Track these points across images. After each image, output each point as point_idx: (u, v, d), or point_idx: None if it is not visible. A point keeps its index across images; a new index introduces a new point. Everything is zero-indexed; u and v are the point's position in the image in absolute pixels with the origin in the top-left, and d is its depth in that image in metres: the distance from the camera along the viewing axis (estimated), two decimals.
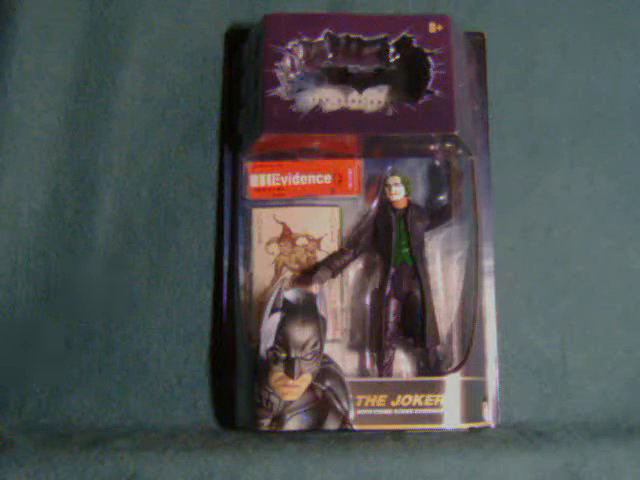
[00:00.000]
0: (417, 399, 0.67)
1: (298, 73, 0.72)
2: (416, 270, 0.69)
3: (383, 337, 0.68)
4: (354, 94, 0.73)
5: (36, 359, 0.71)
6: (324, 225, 0.71)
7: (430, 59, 0.69)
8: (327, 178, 0.72)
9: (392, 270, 0.69)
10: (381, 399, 0.67)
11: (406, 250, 0.69)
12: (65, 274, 0.72)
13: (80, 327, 0.71)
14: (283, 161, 0.72)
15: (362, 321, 0.70)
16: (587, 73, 0.76)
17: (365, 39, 0.70)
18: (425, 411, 0.66)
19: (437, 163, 0.72)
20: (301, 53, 0.71)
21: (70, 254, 0.72)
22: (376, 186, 0.71)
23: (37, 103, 0.74)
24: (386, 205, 0.70)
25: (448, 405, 0.67)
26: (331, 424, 0.66)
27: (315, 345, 0.65)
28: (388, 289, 0.69)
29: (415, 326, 0.68)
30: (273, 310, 0.66)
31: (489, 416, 0.69)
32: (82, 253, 0.72)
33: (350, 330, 0.70)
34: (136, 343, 0.71)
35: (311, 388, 0.65)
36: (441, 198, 0.72)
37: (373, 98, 0.73)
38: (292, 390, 0.65)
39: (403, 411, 0.66)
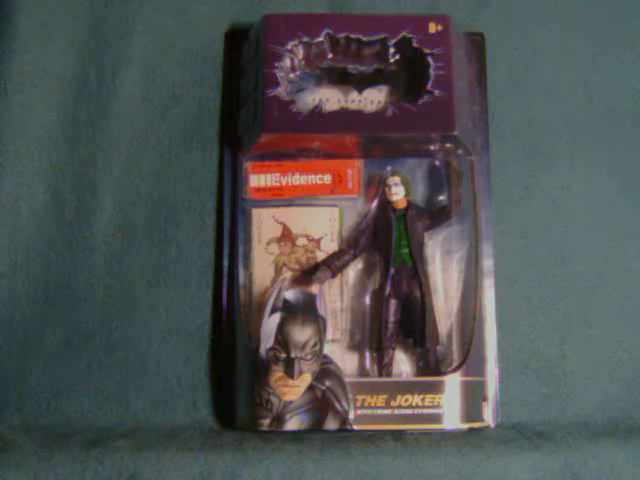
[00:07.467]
0: (417, 399, 0.67)
1: (298, 73, 0.72)
2: (416, 270, 0.69)
3: (383, 337, 0.68)
4: (354, 94, 0.73)
5: (36, 359, 0.71)
6: (324, 225, 0.71)
7: (430, 59, 0.69)
8: (327, 178, 0.72)
9: (392, 270, 0.69)
10: (381, 399, 0.67)
11: (406, 250, 0.69)
12: (65, 274, 0.72)
13: (80, 327, 0.71)
14: (283, 161, 0.72)
15: (362, 321, 0.70)
16: (587, 73, 0.76)
17: (365, 39, 0.70)
18: (425, 411, 0.66)
19: (437, 163, 0.72)
20: (301, 53, 0.71)
21: (70, 254, 0.72)
22: (376, 186, 0.71)
23: (37, 103, 0.74)
24: (386, 205, 0.70)
25: (448, 405, 0.67)
26: (331, 424, 0.66)
27: (315, 345, 0.65)
28: (388, 289, 0.69)
29: (415, 326, 0.69)
30: (273, 310, 0.66)
31: (489, 416, 0.69)
32: (82, 253, 0.72)
33: (350, 330, 0.70)
34: (136, 343, 0.71)
35: (311, 388, 0.66)
36: (441, 198, 0.72)
37: (373, 98, 0.73)
38: (292, 390, 0.65)
39: (403, 411, 0.66)
